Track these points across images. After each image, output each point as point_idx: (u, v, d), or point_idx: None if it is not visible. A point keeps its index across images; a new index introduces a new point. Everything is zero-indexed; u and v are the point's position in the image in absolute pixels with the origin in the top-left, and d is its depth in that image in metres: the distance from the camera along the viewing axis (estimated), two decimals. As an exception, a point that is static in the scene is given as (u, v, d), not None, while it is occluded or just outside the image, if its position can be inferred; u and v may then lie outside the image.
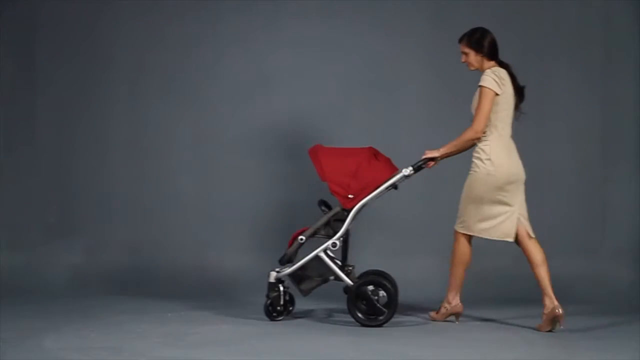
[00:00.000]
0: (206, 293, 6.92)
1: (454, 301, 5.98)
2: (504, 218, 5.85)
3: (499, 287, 7.15)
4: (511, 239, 5.87)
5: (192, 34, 7.47)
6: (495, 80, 5.78)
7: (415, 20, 7.47)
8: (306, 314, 6.19)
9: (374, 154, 6.00)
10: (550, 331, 5.73)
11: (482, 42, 5.86)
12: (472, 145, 5.90)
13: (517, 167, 5.95)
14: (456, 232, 5.94)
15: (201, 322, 5.88)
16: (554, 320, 5.73)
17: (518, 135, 7.66)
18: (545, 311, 5.76)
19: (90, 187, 7.47)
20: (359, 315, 5.79)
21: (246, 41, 7.47)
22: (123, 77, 7.50)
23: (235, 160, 7.41)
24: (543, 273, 5.86)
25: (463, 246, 5.93)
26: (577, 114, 7.44)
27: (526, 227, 5.90)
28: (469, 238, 5.92)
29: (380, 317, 5.78)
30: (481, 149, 5.85)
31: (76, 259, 7.37)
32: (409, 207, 7.36)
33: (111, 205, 7.47)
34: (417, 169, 5.92)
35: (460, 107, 7.45)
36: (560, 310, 5.69)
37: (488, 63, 5.90)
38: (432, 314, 6.07)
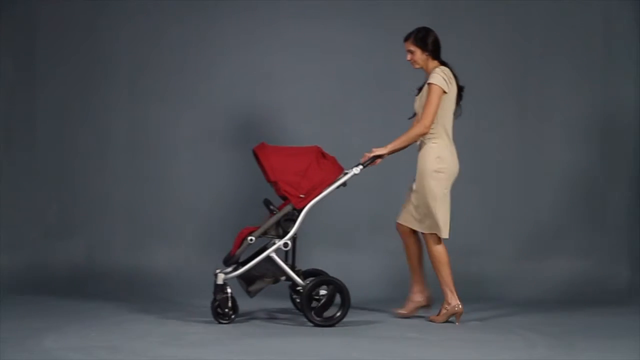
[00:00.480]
0: (206, 293, 6.92)
1: (453, 301, 5.98)
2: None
3: (499, 287, 7.15)
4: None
5: (192, 34, 7.47)
6: (444, 79, 5.92)
7: (415, 20, 7.46)
8: (302, 315, 6.19)
9: (322, 153, 5.97)
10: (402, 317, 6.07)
11: (426, 40, 6.00)
12: (417, 140, 6.00)
13: (457, 164, 6.08)
14: (426, 236, 5.98)
15: (201, 322, 5.88)
16: (418, 309, 6.12)
17: (518, 135, 7.68)
18: (414, 298, 6.11)
19: (90, 187, 7.47)
20: (313, 315, 5.75)
21: (246, 41, 7.48)
22: (123, 77, 7.50)
23: (235, 160, 7.41)
24: (420, 264, 6.14)
25: (438, 248, 5.97)
26: (577, 114, 7.44)
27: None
28: (437, 236, 5.97)
29: (335, 316, 5.76)
30: (431, 147, 5.95)
31: (76, 259, 7.37)
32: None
33: (111, 205, 7.47)
34: (366, 167, 5.97)
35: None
36: (413, 306, 6.10)
37: (432, 62, 6.02)
38: (432, 317, 6.08)
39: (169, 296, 6.79)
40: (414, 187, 6.00)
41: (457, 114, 6.09)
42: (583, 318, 6.23)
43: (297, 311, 6.11)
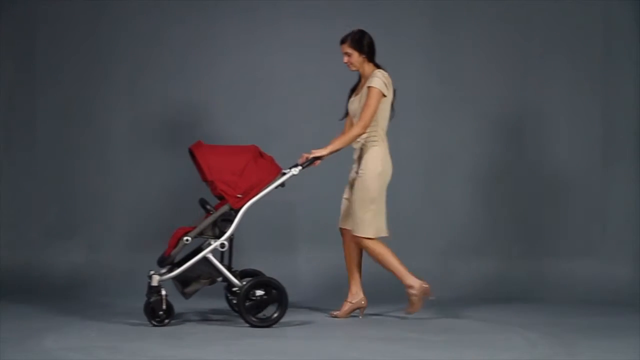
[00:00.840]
0: (207, 293, 6.91)
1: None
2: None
3: (499, 287, 7.15)
4: (386, 234, 6.05)
5: (192, 34, 7.47)
6: (384, 83, 6.00)
7: (415, 20, 7.48)
8: (302, 315, 6.19)
9: (260, 152, 5.92)
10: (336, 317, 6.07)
11: (362, 42, 6.06)
12: (354, 141, 6.05)
13: (391, 166, 6.14)
14: (359, 237, 6.00)
15: (201, 322, 5.88)
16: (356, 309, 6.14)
17: (518, 135, 7.68)
18: (351, 300, 6.14)
19: (90, 187, 7.47)
20: (250, 316, 5.68)
21: (246, 41, 7.48)
22: (123, 77, 7.50)
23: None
24: (360, 267, 6.18)
25: (373, 244, 6.00)
26: (577, 114, 7.44)
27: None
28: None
29: (272, 317, 5.71)
30: (375, 149, 6.02)
31: (76, 259, 7.37)
32: (409, 207, 7.36)
33: (111, 205, 7.47)
34: (305, 168, 5.96)
35: (460, 107, 7.48)
36: (364, 302, 6.15)
37: (369, 65, 6.08)
38: (408, 309, 6.06)
39: (169, 296, 6.78)
40: (353, 189, 6.05)
41: (391, 116, 6.15)
42: (583, 318, 6.23)
43: (234, 312, 6.05)
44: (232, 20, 7.51)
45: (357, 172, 6.07)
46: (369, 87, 5.99)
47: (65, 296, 6.82)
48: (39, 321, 5.83)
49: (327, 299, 6.66)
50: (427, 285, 6.00)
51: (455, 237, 7.38)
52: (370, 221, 5.98)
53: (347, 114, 6.24)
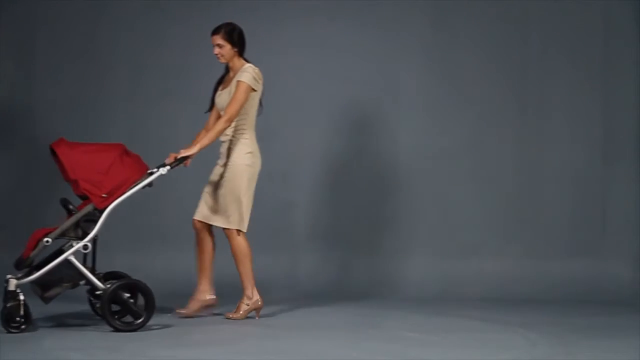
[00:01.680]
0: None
1: (255, 296, 5.98)
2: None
3: (499, 287, 7.15)
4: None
5: (192, 34, 7.47)
6: (254, 78, 5.97)
7: (415, 20, 7.48)
8: (302, 315, 6.19)
9: (125, 150, 5.71)
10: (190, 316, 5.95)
11: (234, 35, 6.03)
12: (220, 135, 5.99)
13: (260, 159, 6.10)
14: (230, 231, 5.92)
15: (201, 322, 5.87)
16: (206, 307, 6.05)
17: (518, 134, 7.67)
18: (201, 297, 6.02)
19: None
20: (115, 320, 5.45)
21: (246, 41, 7.46)
22: (123, 77, 7.50)
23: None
24: (211, 263, 6.07)
25: (242, 241, 5.94)
26: (577, 114, 7.44)
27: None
28: (240, 231, 5.94)
29: (138, 321, 5.47)
30: (243, 142, 5.97)
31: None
32: (408, 207, 7.36)
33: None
34: (173, 167, 5.79)
35: (460, 107, 7.48)
36: (211, 298, 6.03)
37: (239, 59, 6.05)
38: (230, 314, 5.98)
39: (169, 296, 6.78)
40: (221, 182, 5.96)
41: (259, 112, 6.13)
42: (583, 318, 6.23)
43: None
44: (233, 20, 7.49)
45: (224, 166, 5.99)
46: (238, 81, 5.95)
47: (65, 296, 6.80)
48: (39, 321, 5.81)
49: (328, 299, 6.66)
50: (260, 304, 5.96)
51: (455, 237, 7.38)
52: (241, 215, 5.91)
53: (212, 106, 6.17)
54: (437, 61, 7.44)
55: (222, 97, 6.07)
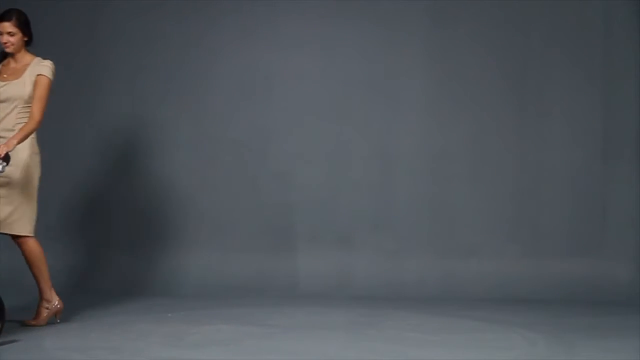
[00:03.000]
0: (206, 293, 6.92)
1: (54, 299, 5.74)
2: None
3: (499, 287, 7.15)
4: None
5: (192, 34, 7.48)
6: (53, 72, 5.63)
7: (415, 20, 7.48)
8: (302, 315, 6.19)
9: None
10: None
11: (27, 25, 5.64)
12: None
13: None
14: (23, 237, 5.58)
15: (201, 322, 5.87)
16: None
17: (518, 134, 7.67)
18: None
19: (90, 187, 7.47)
20: None
21: (246, 41, 7.48)
22: (123, 77, 7.50)
23: (234, 159, 7.41)
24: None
25: (36, 245, 5.66)
26: (577, 114, 7.44)
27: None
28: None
29: None
30: (29, 140, 5.58)
31: (76, 259, 7.36)
32: (408, 206, 7.36)
33: (111, 205, 7.47)
34: None
35: (460, 106, 7.48)
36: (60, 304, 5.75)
37: (25, 50, 5.66)
38: (30, 321, 5.69)
39: (169, 296, 6.79)
40: (12, 184, 5.53)
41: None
42: (583, 318, 6.23)
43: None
44: (232, 20, 7.51)
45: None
46: (40, 75, 5.57)
47: (65, 296, 6.81)
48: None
49: (328, 299, 6.66)
50: (60, 306, 5.74)
51: (455, 237, 7.38)
52: (33, 217, 5.60)
53: None
54: (438, 61, 7.44)
55: (10, 90, 5.57)
